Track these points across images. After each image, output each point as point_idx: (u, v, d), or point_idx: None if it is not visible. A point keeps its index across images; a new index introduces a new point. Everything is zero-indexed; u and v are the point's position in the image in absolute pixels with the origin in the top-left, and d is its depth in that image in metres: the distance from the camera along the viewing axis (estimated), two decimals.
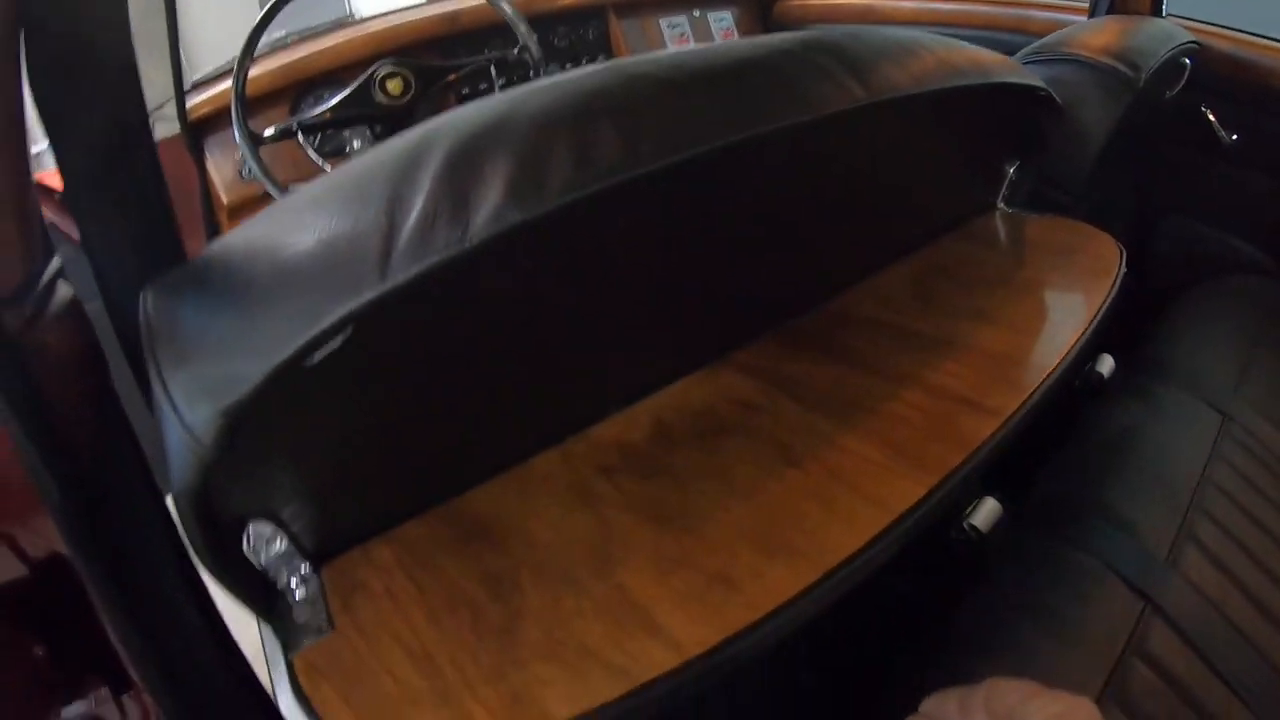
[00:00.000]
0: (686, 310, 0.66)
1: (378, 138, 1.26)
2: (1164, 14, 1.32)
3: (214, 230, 1.42)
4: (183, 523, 0.39)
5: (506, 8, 1.30)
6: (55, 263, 0.48)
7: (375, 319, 0.36)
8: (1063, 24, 1.40)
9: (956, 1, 1.62)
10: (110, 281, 0.58)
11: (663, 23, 1.70)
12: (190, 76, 1.41)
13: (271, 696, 0.44)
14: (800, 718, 0.92)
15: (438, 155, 0.38)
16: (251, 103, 1.24)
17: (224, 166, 1.38)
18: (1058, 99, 0.66)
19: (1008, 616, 0.74)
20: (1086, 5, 1.38)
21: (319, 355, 0.37)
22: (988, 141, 0.78)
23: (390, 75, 1.18)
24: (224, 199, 1.37)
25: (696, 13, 1.76)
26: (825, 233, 0.72)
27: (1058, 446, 0.94)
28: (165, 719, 0.49)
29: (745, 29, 1.82)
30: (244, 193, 1.37)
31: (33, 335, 0.43)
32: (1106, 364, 1.07)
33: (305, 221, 0.40)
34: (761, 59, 0.48)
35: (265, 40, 1.21)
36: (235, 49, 1.17)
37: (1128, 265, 0.79)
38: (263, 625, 0.48)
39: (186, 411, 0.36)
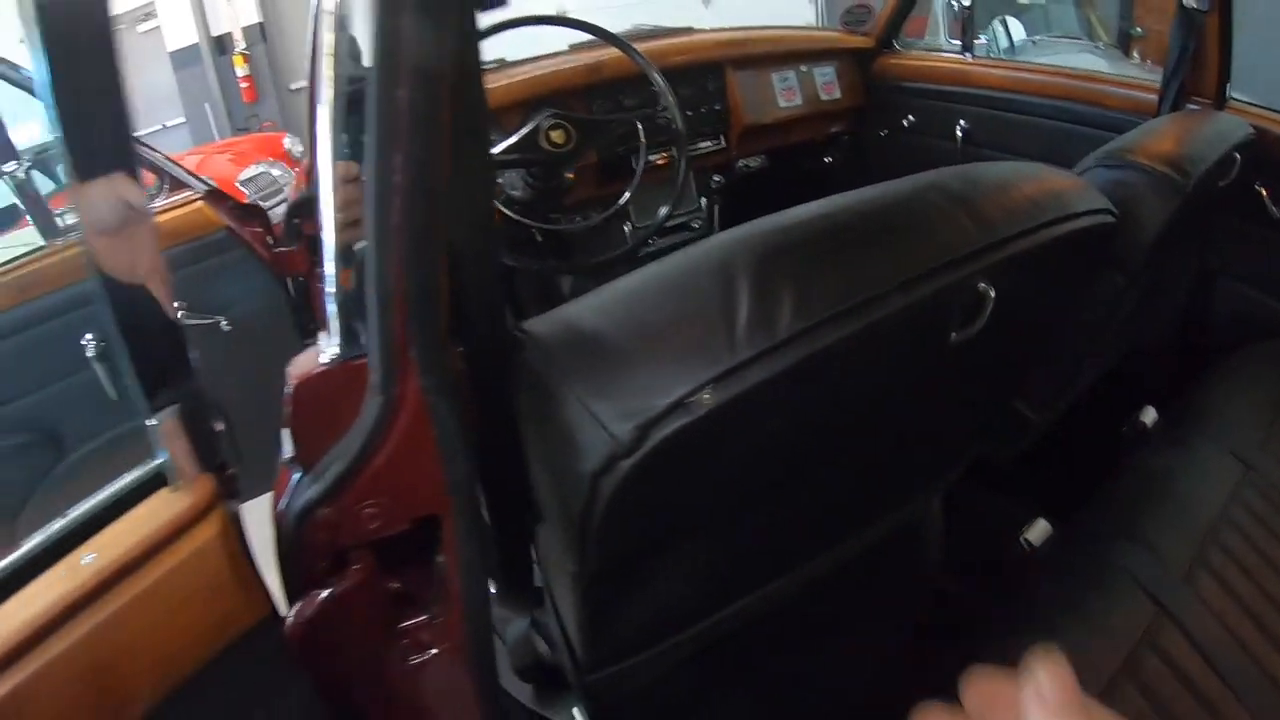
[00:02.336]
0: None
1: (534, 178, 1.49)
2: (1226, 100, 1.48)
3: None
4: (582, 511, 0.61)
5: (646, 64, 1.52)
6: None
7: (727, 384, 0.57)
8: (1135, 100, 1.57)
9: (1041, 73, 1.79)
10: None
11: (774, 76, 1.91)
12: None
13: None
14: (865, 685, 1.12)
15: (744, 274, 0.61)
16: None
17: None
18: (1114, 218, 0.84)
19: (1045, 610, 0.94)
20: (1158, 84, 1.53)
21: (691, 410, 0.57)
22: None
23: (554, 126, 1.40)
24: None
25: (803, 68, 1.96)
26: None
27: (1101, 482, 1.13)
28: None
29: (845, 83, 2.02)
30: None
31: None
32: (1150, 415, 1.26)
33: (653, 303, 0.64)
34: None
35: None
36: None
37: (1179, 324, 0.99)
38: None
39: (610, 424, 0.58)
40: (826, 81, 1.99)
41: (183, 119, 5.99)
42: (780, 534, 0.87)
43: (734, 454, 0.67)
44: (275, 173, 3.35)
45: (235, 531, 0.59)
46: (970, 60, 1.93)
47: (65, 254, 1.59)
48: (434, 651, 0.67)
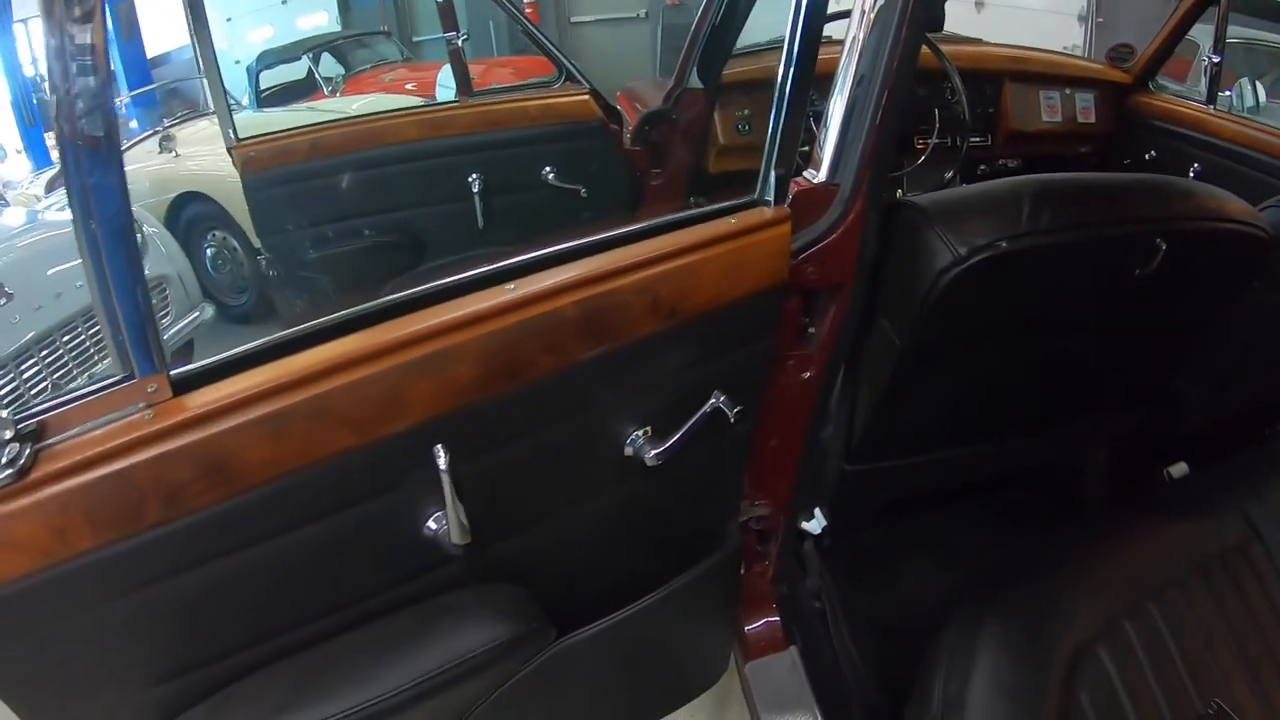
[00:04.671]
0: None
1: None
2: None
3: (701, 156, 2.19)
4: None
5: (951, 66, 1.93)
6: None
7: (1014, 242, 1.05)
8: None
9: (1272, 135, 2.05)
10: None
11: (1041, 93, 2.26)
12: None
13: None
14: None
15: (1029, 192, 1.08)
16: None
17: (727, 120, 2.14)
18: (1266, 235, 1.20)
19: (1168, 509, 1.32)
20: None
21: (994, 249, 1.05)
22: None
23: None
24: (720, 140, 2.13)
25: (1067, 90, 2.30)
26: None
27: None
28: None
29: (1101, 110, 2.34)
30: (735, 140, 2.13)
31: None
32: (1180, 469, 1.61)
33: (977, 194, 1.13)
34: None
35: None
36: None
37: None
38: None
39: (953, 244, 1.05)
40: (1085, 106, 2.32)
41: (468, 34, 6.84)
42: (1013, 396, 1.32)
43: (1009, 295, 1.15)
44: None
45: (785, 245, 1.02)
46: (1212, 111, 2.18)
47: (470, 109, 2.14)
48: (805, 374, 1.15)
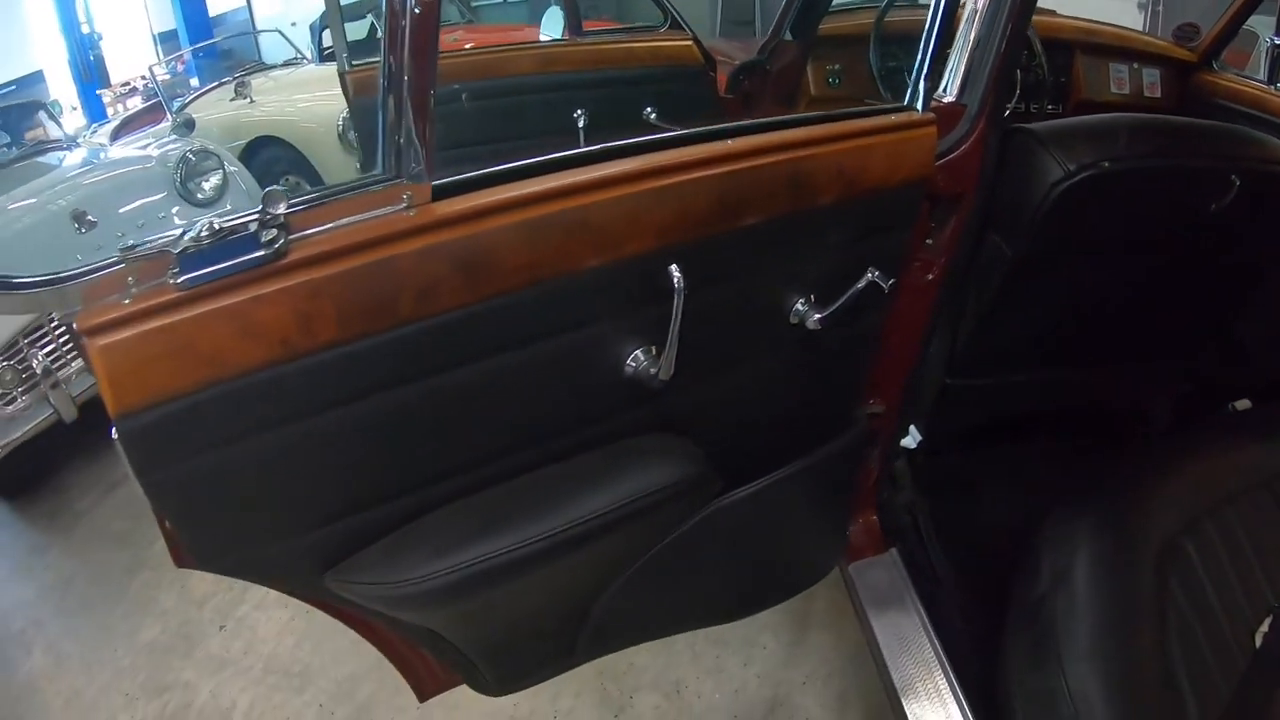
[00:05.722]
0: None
1: None
2: None
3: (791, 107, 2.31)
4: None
5: (1033, 33, 2.05)
6: None
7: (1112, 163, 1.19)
8: None
9: None
10: None
11: (1111, 66, 2.39)
12: None
13: None
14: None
15: (1125, 126, 1.27)
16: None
17: (819, 73, 2.26)
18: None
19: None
20: None
21: (1098, 168, 1.20)
22: None
23: None
24: (811, 92, 2.26)
25: (1135, 65, 2.43)
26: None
27: None
28: None
29: (1166, 88, 2.46)
30: (826, 93, 2.25)
31: None
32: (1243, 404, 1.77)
33: (1078, 121, 1.28)
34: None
35: None
36: None
37: None
38: None
39: (1063, 161, 1.19)
40: (1151, 82, 2.44)
41: None
42: (1097, 322, 1.46)
43: (1108, 212, 1.29)
44: None
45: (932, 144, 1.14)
46: (1273, 91, 2.29)
47: (581, 48, 2.29)
48: (927, 276, 1.27)
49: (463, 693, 1.58)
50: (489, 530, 0.92)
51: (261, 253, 0.72)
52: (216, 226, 0.71)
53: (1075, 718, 1.01)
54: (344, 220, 0.76)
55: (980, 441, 1.75)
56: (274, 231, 0.73)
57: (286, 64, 4.17)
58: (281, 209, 0.72)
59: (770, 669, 1.79)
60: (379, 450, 0.88)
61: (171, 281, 0.71)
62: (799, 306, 1.10)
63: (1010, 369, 1.55)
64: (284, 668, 2.04)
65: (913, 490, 1.63)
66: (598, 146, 0.93)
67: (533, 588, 1.05)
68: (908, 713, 1.30)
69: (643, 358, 0.98)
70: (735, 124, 1.02)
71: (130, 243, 0.71)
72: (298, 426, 0.81)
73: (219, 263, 0.72)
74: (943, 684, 1.33)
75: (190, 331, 0.72)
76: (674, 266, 0.92)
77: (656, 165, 0.91)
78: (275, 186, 0.73)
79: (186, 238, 0.70)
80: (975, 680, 1.31)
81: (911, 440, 1.68)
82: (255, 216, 0.72)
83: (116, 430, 0.73)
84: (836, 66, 2.25)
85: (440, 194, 0.81)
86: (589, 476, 0.99)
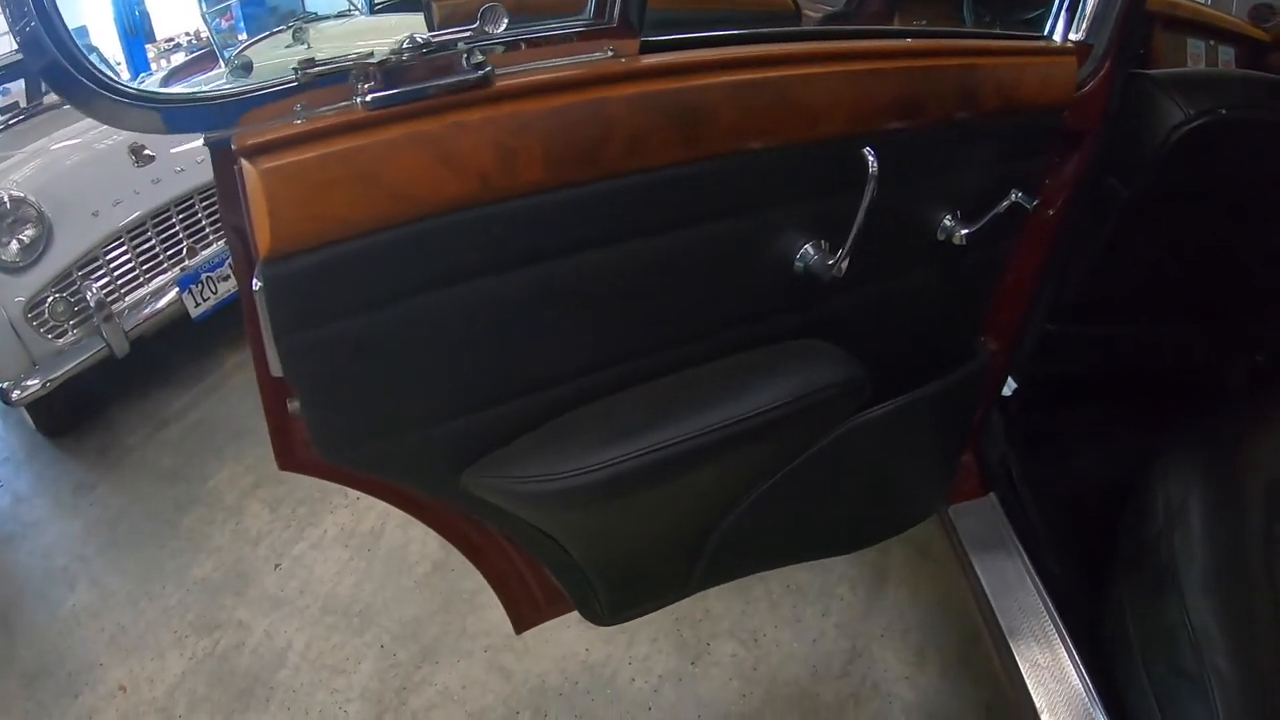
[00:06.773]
0: None
1: None
2: None
3: None
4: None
5: None
6: None
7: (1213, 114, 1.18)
8: None
9: None
10: None
11: (1189, 41, 2.38)
12: None
13: None
14: None
15: (1237, 79, 1.31)
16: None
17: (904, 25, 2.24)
18: None
19: None
20: None
21: (1212, 114, 1.19)
22: None
23: None
24: None
25: (1211, 42, 2.42)
26: None
27: None
28: None
29: (1240, 66, 2.45)
30: None
31: None
32: None
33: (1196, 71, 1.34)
34: None
35: None
36: None
37: None
38: None
39: (1184, 106, 1.19)
40: (1226, 59, 2.43)
41: None
42: (1200, 274, 1.46)
43: (1222, 159, 1.28)
44: None
45: (1072, 71, 1.12)
46: None
47: None
48: (1049, 211, 1.25)
49: (534, 636, 1.56)
50: (660, 420, 0.90)
51: (468, 75, 0.67)
52: (419, 40, 0.65)
53: (1196, 649, 1.02)
54: (556, 60, 0.73)
55: (1067, 400, 1.74)
56: (482, 57, 0.67)
57: (340, 15, 4.14)
58: (503, 26, 0.67)
59: (848, 620, 1.78)
60: (551, 326, 0.84)
61: (359, 100, 0.66)
62: (946, 222, 1.09)
63: (1111, 319, 1.55)
64: (343, 608, 2.01)
65: (1005, 441, 1.62)
66: (793, 28, 0.91)
67: (681, 493, 1.03)
68: (1016, 655, 1.29)
69: (812, 252, 0.96)
70: (909, 28, 1.01)
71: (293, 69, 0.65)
72: (472, 287, 0.76)
73: (417, 84, 0.66)
74: (1049, 626, 1.32)
75: (379, 157, 0.66)
76: (868, 150, 0.90)
77: (850, 50, 0.90)
78: (496, 2, 0.67)
79: (384, 53, 0.65)
80: (1079, 623, 1.31)
81: (1007, 389, 1.67)
82: (468, 32, 0.66)
83: (261, 276, 0.66)
84: (923, 22, 2.23)
85: (649, 49, 0.79)
86: (754, 373, 0.98)
